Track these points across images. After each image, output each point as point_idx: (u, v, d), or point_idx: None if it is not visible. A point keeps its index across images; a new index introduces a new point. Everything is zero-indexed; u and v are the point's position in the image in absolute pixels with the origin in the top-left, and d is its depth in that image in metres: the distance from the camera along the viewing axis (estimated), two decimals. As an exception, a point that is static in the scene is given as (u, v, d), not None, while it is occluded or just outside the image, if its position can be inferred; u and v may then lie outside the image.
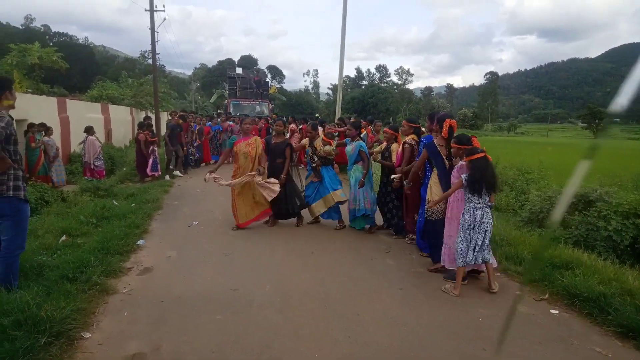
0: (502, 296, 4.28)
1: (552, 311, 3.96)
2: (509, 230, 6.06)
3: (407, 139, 5.82)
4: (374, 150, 6.84)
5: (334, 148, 6.74)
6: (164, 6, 25.90)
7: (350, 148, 6.50)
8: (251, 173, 6.29)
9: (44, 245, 5.02)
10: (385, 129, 6.61)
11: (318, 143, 6.72)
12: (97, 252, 4.81)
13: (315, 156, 6.70)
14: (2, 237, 3.68)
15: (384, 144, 6.54)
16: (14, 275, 3.75)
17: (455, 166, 4.61)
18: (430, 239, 5.03)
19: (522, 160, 11.11)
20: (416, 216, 5.55)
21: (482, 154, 4.28)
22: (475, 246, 4.26)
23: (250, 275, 4.71)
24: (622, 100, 1.03)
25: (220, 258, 5.27)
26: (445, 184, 4.74)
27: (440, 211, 4.80)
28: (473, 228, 4.27)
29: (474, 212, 4.27)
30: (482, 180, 4.19)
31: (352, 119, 8.87)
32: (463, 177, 4.29)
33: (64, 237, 5.43)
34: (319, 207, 6.75)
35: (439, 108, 74.55)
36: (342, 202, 6.65)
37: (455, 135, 4.79)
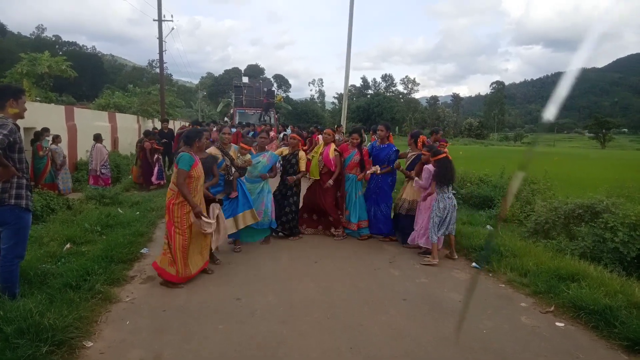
0: (507, 308, 4.24)
1: (558, 324, 3.92)
2: (514, 241, 6.01)
3: (339, 148, 6.72)
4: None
5: (265, 160, 6.12)
6: (172, 16, 26.27)
7: (264, 159, 6.08)
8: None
9: (49, 253, 5.05)
10: (292, 134, 7.21)
11: (233, 152, 5.73)
12: (100, 260, 4.82)
13: (232, 167, 5.54)
14: (1, 246, 3.65)
15: (287, 150, 6.66)
16: (15, 283, 3.74)
17: (424, 168, 5.95)
18: (403, 229, 6.34)
19: (528, 170, 11.01)
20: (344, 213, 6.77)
21: (444, 155, 5.71)
22: (446, 224, 5.60)
23: (253, 285, 4.70)
24: (551, 111, 1.20)
25: (224, 267, 5.26)
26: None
27: (407, 208, 6.27)
28: (447, 211, 5.57)
29: (446, 200, 5.60)
30: (446, 173, 5.58)
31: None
32: (432, 170, 5.67)
33: (68, 245, 5.45)
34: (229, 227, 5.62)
35: (445, 117, 74.53)
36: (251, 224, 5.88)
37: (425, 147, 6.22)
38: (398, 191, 7.00)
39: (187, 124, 12.28)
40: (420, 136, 6.49)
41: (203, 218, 4.56)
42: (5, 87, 3.82)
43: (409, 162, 6.62)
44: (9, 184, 3.55)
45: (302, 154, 6.56)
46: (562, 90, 1.22)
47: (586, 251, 5.63)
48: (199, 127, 7.24)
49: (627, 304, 3.88)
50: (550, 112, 1.24)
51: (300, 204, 6.80)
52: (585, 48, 1.20)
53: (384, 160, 6.57)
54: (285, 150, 6.63)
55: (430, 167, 5.81)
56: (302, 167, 6.45)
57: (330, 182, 6.49)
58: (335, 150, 6.60)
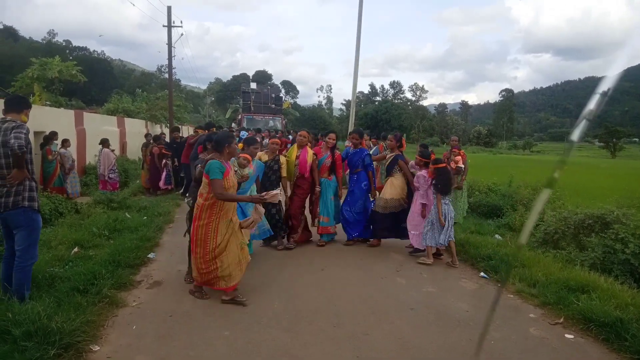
0: (515, 319, 4.19)
1: (567, 336, 3.86)
2: (523, 251, 5.95)
3: (313, 150, 6.64)
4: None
5: (252, 171, 5.48)
6: (181, 22, 26.40)
7: (251, 170, 5.51)
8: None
9: (57, 256, 5.07)
10: (272, 140, 6.83)
11: (234, 163, 5.12)
12: (108, 265, 4.84)
13: None
14: (16, 247, 3.77)
15: (266, 155, 6.23)
16: (27, 285, 3.81)
17: (416, 175, 6.16)
18: (386, 227, 6.48)
19: (537, 179, 10.91)
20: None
21: (444, 164, 5.94)
22: (446, 231, 5.71)
23: (259, 292, 4.69)
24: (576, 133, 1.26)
25: (230, 273, 5.24)
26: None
27: (388, 207, 6.37)
28: (446, 217, 5.71)
29: (444, 206, 5.75)
30: (446, 182, 5.75)
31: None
32: (425, 176, 5.87)
33: (76, 249, 5.48)
34: None
35: (453, 125, 74.38)
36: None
37: (420, 150, 6.49)
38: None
39: (196, 130, 10.94)
40: (403, 138, 6.79)
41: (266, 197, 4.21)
42: (26, 98, 4.14)
43: (387, 162, 6.71)
44: (22, 186, 3.69)
45: (283, 159, 6.35)
46: (590, 110, 1.26)
47: (596, 262, 5.57)
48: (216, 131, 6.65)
49: (639, 317, 3.82)
50: (575, 135, 1.29)
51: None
52: (618, 66, 1.22)
53: (357, 164, 6.68)
54: (265, 156, 6.20)
55: (423, 173, 6.00)
56: (284, 173, 6.25)
57: (318, 188, 6.43)
58: (313, 154, 6.45)
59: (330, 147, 6.60)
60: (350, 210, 6.65)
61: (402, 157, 6.57)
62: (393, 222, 6.48)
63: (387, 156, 6.78)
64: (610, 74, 1.35)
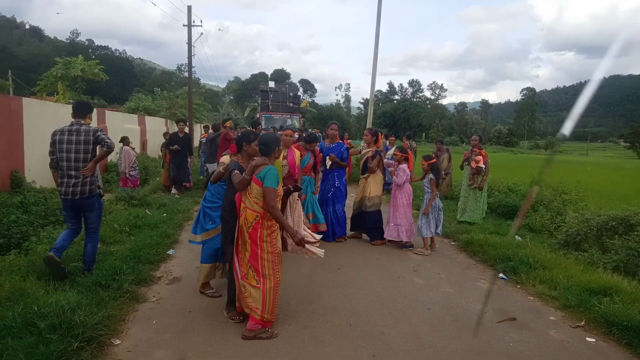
0: (534, 321, 4.13)
1: (589, 339, 3.79)
2: (544, 252, 5.86)
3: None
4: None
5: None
6: (201, 21, 26.70)
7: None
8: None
9: (79, 252, 5.16)
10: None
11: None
12: (129, 260, 4.94)
13: None
14: (90, 225, 4.59)
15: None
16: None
17: (396, 169, 6.53)
18: (373, 224, 6.73)
19: (559, 180, 10.67)
20: None
21: (434, 159, 6.49)
22: (438, 223, 6.33)
23: (276, 289, 4.71)
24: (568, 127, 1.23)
25: (248, 270, 5.28)
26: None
27: (377, 204, 6.70)
28: (438, 210, 6.35)
29: (436, 199, 6.36)
30: (437, 175, 6.40)
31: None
32: (432, 176, 6.31)
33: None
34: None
35: (473, 124, 73.43)
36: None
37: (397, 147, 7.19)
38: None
39: (215, 128, 10.75)
40: (380, 134, 7.13)
41: (307, 245, 3.70)
42: (89, 103, 4.81)
43: (364, 158, 6.86)
44: (94, 177, 4.45)
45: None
46: (580, 107, 1.21)
47: (619, 265, 5.44)
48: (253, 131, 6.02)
49: (663, 322, 3.73)
50: (566, 128, 1.25)
51: None
52: (608, 57, 1.18)
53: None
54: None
55: (404, 167, 6.48)
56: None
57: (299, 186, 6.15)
58: (300, 155, 6.19)
59: (311, 149, 6.46)
60: (337, 210, 6.74)
61: (379, 152, 6.87)
62: (379, 220, 6.76)
63: (364, 151, 6.89)
64: (596, 76, 1.31)
